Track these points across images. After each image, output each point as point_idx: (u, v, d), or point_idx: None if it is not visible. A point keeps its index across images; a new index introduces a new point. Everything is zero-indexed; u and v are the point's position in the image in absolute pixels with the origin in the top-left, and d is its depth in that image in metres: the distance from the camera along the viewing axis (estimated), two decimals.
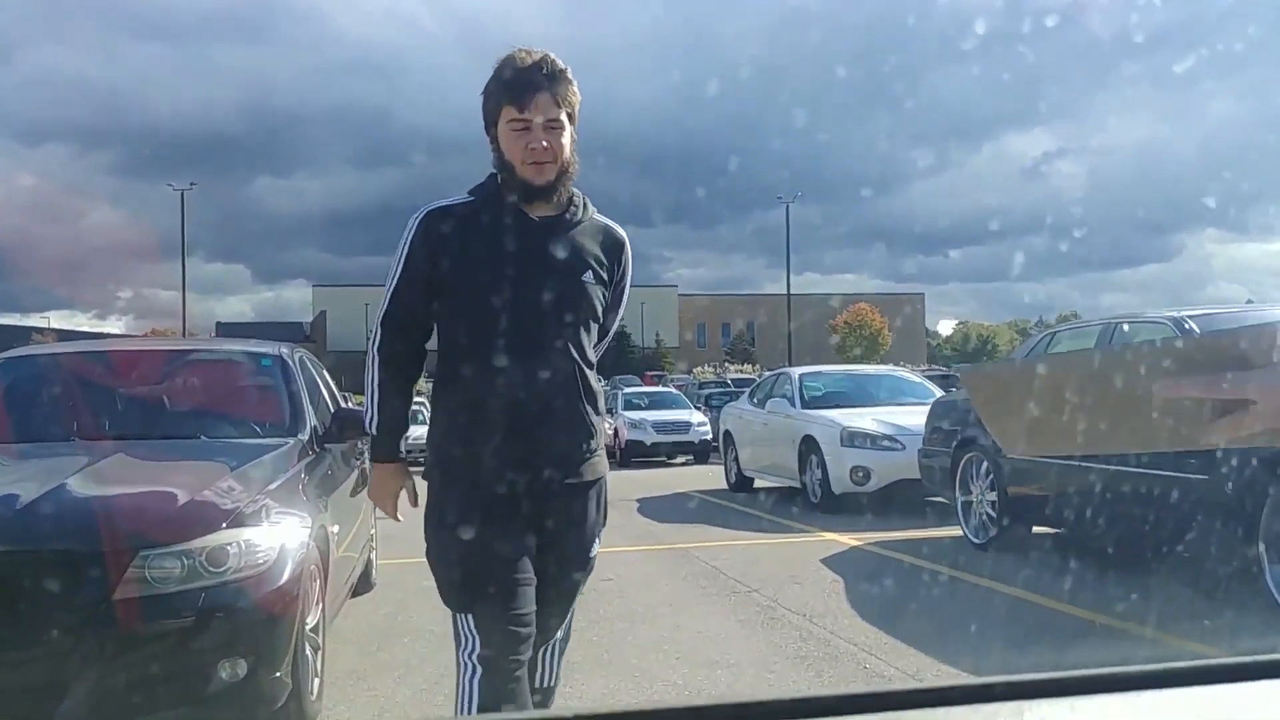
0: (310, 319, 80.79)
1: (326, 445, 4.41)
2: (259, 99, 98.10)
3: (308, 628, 3.38)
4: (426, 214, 2.29)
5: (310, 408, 4.48)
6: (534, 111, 2.18)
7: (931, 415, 7.78)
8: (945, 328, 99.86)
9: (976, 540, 6.73)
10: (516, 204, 2.23)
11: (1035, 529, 6.57)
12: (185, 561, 2.96)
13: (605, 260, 2.32)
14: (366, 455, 5.58)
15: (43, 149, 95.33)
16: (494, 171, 2.28)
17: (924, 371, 21.10)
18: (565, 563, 2.33)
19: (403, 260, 2.29)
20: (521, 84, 2.18)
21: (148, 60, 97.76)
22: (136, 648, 2.90)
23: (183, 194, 45.59)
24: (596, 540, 2.38)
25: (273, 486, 3.50)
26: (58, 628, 2.83)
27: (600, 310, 2.32)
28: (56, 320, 66.79)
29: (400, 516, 2.49)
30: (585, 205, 2.33)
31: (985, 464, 6.71)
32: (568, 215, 2.29)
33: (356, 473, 5.16)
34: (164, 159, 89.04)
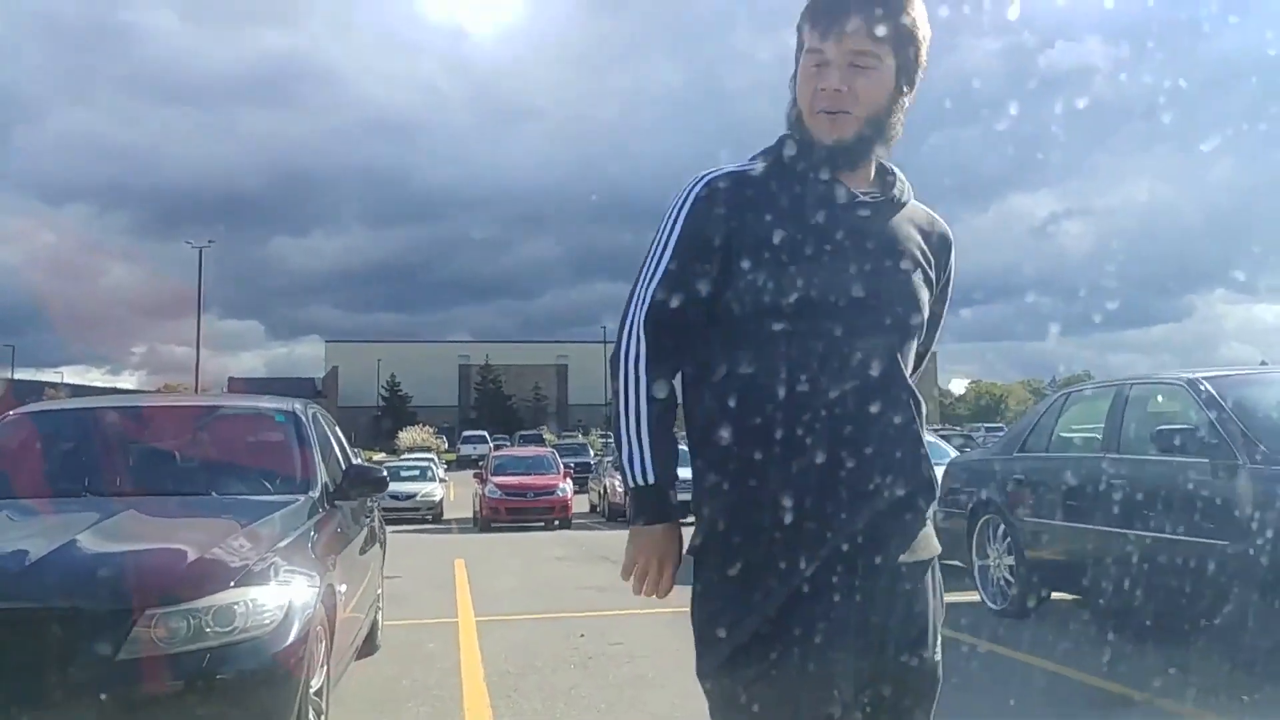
0: (322, 374, 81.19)
1: (337, 502, 4.38)
2: (277, 160, 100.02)
3: (312, 690, 3.32)
4: (710, 180, 1.65)
5: (322, 464, 4.46)
6: (835, 41, 1.57)
7: (947, 476, 7.69)
8: (958, 386, 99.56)
9: (994, 606, 6.61)
10: (818, 174, 1.61)
11: (1055, 595, 6.45)
12: (192, 620, 2.93)
13: (934, 260, 1.69)
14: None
15: (66, 209, 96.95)
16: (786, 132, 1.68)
17: (937, 431, 20.99)
18: (908, 680, 1.65)
19: (676, 236, 1.64)
20: (827, 2, 1.60)
21: (170, 123, 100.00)
22: (142, 708, 2.86)
23: (200, 251, 46.17)
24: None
25: (282, 545, 3.47)
26: (64, 686, 2.79)
27: (925, 327, 1.70)
28: (70, 375, 67.28)
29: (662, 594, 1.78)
30: (907, 186, 1.71)
31: (1002, 527, 6.61)
32: (895, 194, 1.68)
33: (366, 531, 5.12)
34: (183, 218, 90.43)
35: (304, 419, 4.71)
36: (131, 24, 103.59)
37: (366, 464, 5.64)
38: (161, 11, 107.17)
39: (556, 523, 17.59)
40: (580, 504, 21.29)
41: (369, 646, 5.49)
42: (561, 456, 22.83)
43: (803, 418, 1.54)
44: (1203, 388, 5.34)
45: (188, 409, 5.56)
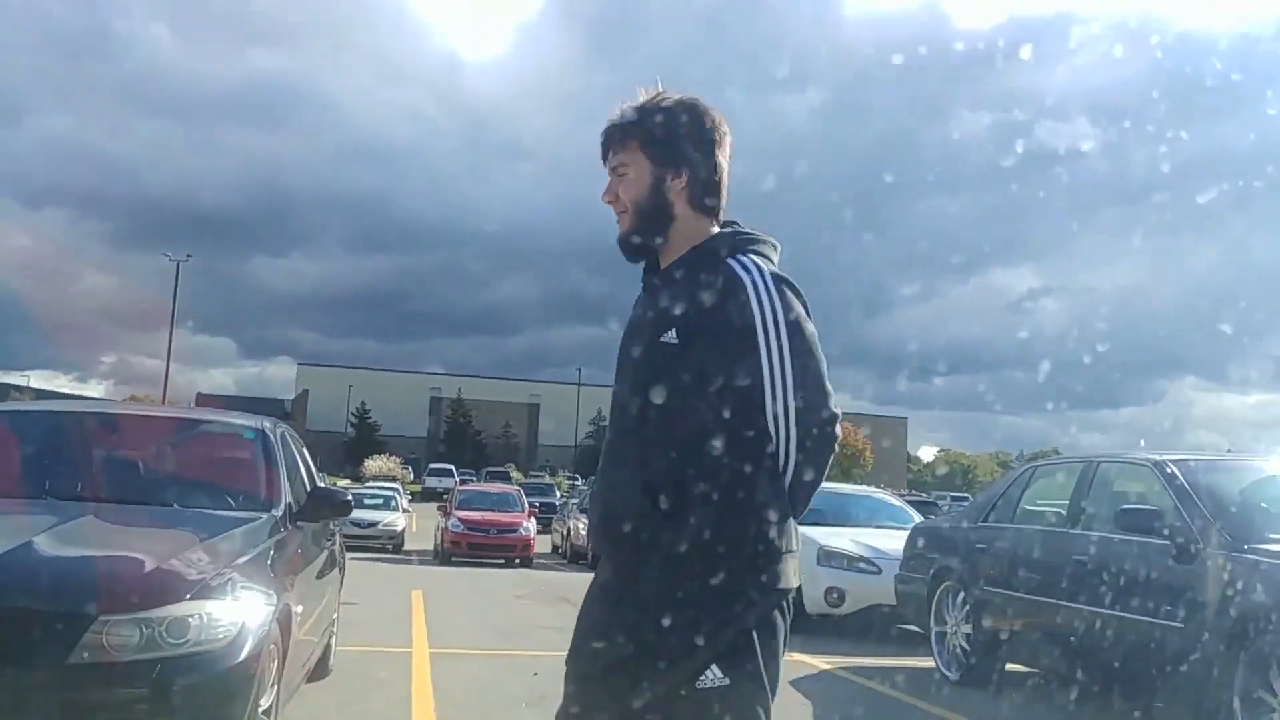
0: (292, 396, 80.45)
1: (299, 523, 4.34)
2: (261, 179, 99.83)
3: (260, 708, 3.28)
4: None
5: (287, 484, 4.43)
6: (606, 165, 1.99)
7: (910, 540, 7.73)
8: (926, 453, 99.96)
9: (949, 673, 6.60)
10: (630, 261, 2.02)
11: (1010, 665, 6.46)
12: (145, 630, 2.89)
13: (703, 311, 1.86)
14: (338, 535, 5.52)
15: (43, 212, 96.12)
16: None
17: (904, 496, 21.07)
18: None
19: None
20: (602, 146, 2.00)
21: (156, 135, 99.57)
22: (88, 715, 2.82)
23: (178, 265, 45.85)
24: None
25: (241, 561, 3.43)
26: (13, 688, 2.74)
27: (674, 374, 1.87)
28: (37, 379, 66.23)
29: None
30: (710, 252, 1.92)
31: (962, 594, 6.63)
32: (687, 259, 1.93)
33: (326, 554, 5.07)
34: (163, 230, 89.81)
35: (272, 437, 4.68)
36: (124, 33, 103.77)
37: (331, 487, 5.60)
38: (156, 23, 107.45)
39: (518, 561, 17.45)
40: (543, 544, 21.14)
41: (321, 670, 5.41)
42: (527, 496, 22.68)
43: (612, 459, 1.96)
44: (1168, 469, 5.41)
45: (156, 419, 5.51)
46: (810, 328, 1.89)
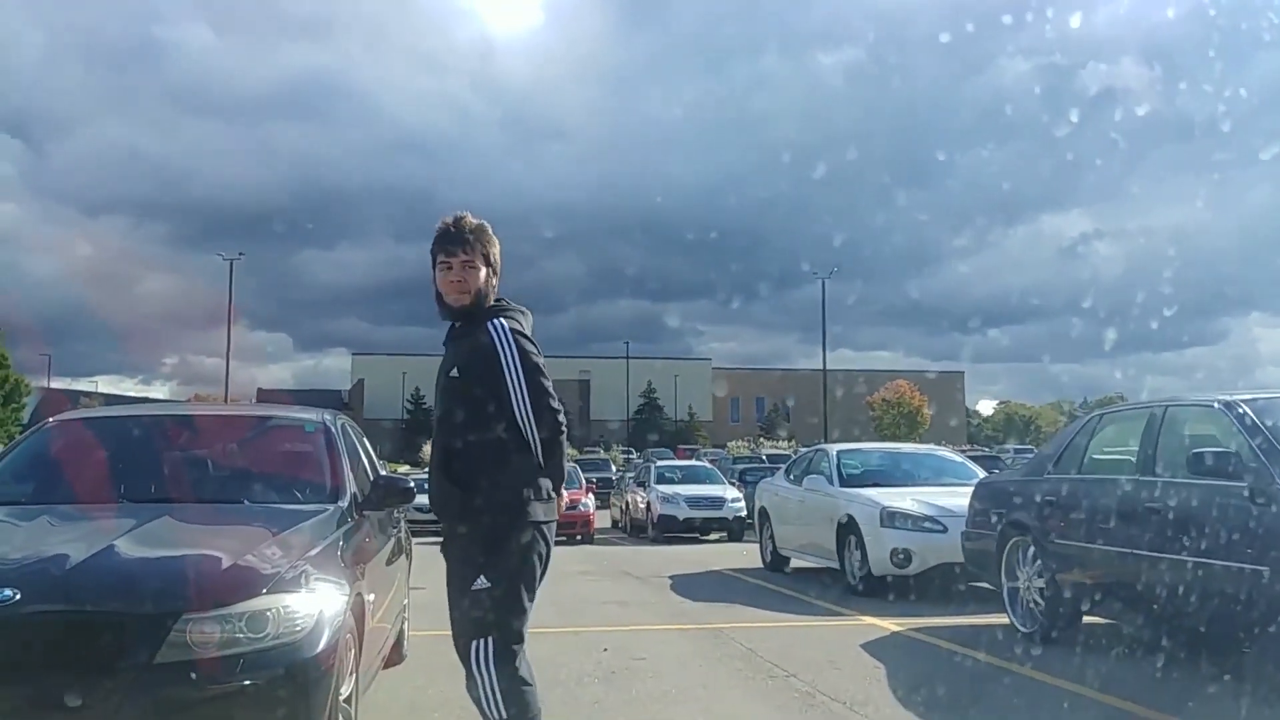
0: (349, 387, 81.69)
1: (365, 513, 4.40)
2: (307, 175, 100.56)
3: (341, 698, 3.34)
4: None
5: (351, 475, 4.48)
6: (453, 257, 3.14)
7: (975, 497, 7.63)
8: (986, 407, 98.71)
9: (1023, 629, 6.53)
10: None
11: (1086, 618, 6.37)
12: (226, 626, 2.96)
13: (480, 357, 3.04)
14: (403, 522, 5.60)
15: (100, 220, 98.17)
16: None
17: (965, 451, 20.81)
18: None
19: None
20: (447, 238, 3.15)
21: (204, 136, 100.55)
22: (176, 713, 2.89)
23: (231, 264, 46.71)
24: None
25: (312, 553, 3.49)
26: (102, 689, 2.82)
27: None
28: (104, 385, 68.11)
29: None
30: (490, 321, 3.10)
31: (1032, 549, 6.54)
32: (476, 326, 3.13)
33: (393, 541, 5.14)
34: (215, 231, 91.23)
35: (334, 430, 4.74)
36: (167, 40, 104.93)
37: (394, 475, 5.66)
38: (198, 26, 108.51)
39: (579, 537, 17.58)
40: (602, 519, 21.27)
41: (396, 656, 5.50)
42: (583, 472, 22.81)
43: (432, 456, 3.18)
44: (1239, 409, 5.27)
45: (222, 418, 5.61)
46: (536, 360, 3.06)
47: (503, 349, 3.02)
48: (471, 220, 3.12)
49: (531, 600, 3.02)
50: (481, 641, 2.89)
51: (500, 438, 3.00)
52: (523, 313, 3.20)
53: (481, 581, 2.92)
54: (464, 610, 2.95)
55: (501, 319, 3.09)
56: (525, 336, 3.10)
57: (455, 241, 3.07)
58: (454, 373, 3.06)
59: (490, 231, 3.13)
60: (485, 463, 2.99)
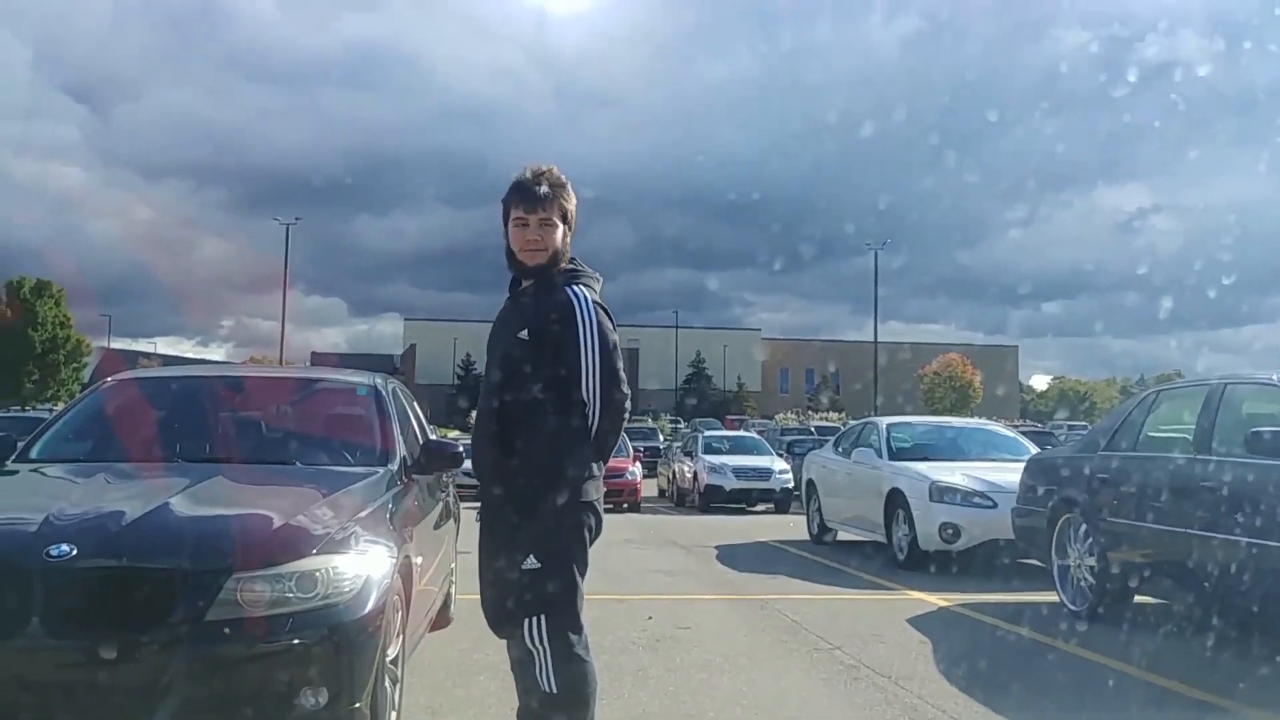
0: (401, 352, 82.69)
1: (415, 476, 4.45)
2: (363, 142, 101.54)
3: (388, 659, 3.39)
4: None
5: (401, 438, 4.53)
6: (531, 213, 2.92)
7: (1027, 473, 7.51)
8: (1040, 382, 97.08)
9: (1074, 607, 6.44)
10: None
11: (1138, 598, 6.26)
12: (276, 585, 3.01)
13: (546, 320, 2.86)
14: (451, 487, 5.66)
15: (162, 183, 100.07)
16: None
17: (1017, 426, 20.49)
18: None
19: None
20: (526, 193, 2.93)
21: (262, 103, 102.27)
22: (226, 669, 2.95)
23: (288, 229, 47.37)
24: None
25: (362, 515, 3.53)
26: (154, 643, 2.89)
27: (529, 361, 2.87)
28: (163, 346, 69.74)
29: None
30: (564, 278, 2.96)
31: (1084, 526, 6.43)
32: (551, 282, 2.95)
33: (441, 505, 5.20)
34: (272, 196, 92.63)
35: (385, 393, 4.80)
36: (230, 6, 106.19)
37: (443, 440, 5.71)
38: None
39: (625, 506, 17.65)
40: (649, 488, 21.35)
41: (443, 619, 5.58)
42: (631, 441, 22.85)
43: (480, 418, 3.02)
44: None
45: (274, 380, 5.70)
46: (614, 338, 2.89)
47: (583, 321, 2.83)
48: (551, 173, 2.90)
49: (583, 577, 2.93)
50: (535, 619, 2.80)
51: (560, 407, 2.82)
52: (596, 279, 3.00)
53: (532, 561, 2.78)
54: (516, 588, 2.81)
55: (581, 286, 2.89)
56: (605, 310, 2.90)
57: (534, 198, 2.85)
58: (523, 334, 2.85)
59: (570, 187, 2.93)
60: (540, 429, 2.83)
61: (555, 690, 2.79)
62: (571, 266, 2.95)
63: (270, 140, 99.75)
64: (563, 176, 2.91)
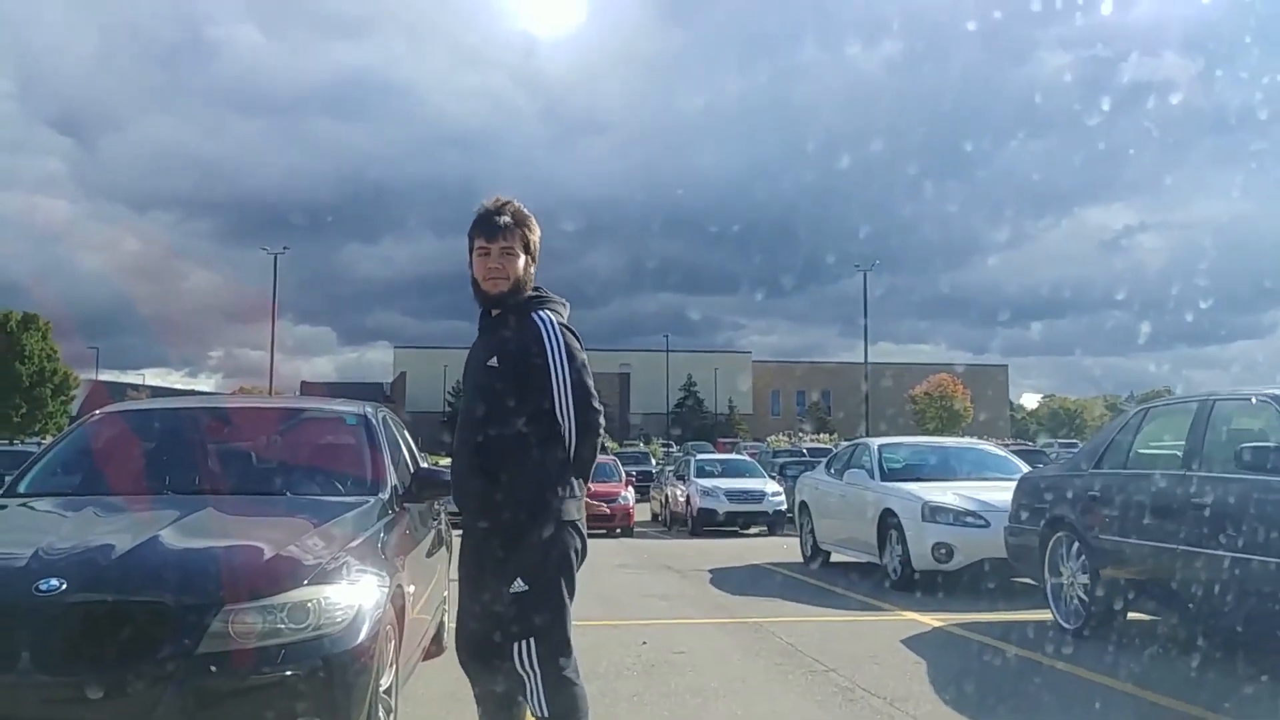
0: (391, 380, 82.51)
1: (406, 505, 4.44)
2: (352, 170, 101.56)
3: (381, 689, 3.38)
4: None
5: (392, 467, 4.53)
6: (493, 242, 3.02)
7: (1018, 492, 7.53)
8: (1030, 401, 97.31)
9: (1067, 625, 6.44)
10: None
11: (1131, 615, 6.26)
12: (268, 616, 3.00)
13: (525, 347, 2.94)
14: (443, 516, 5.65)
15: (149, 215, 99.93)
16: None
17: (1009, 445, 20.55)
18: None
19: None
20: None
21: (250, 134, 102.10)
22: (218, 702, 2.93)
23: (275, 258, 47.31)
24: None
25: (353, 545, 3.52)
26: (145, 677, 2.87)
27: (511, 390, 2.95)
28: (151, 377, 69.35)
29: None
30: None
31: (1076, 544, 6.44)
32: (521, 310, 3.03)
33: (434, 533, 5.18)
34: (260, 226, 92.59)
35: (375, 422, 4.79)
36: (215, 39, 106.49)
37: (434, 468, 5.70)
38: (245, 26, 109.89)
39: (618, 530, 17.62)
40: (642, 513, 21.30)
41: (436, 648, 5.55)
42: (623, 465, 22.85)
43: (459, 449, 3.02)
44: None
45: (263, 411, 5.69)
46: (582, 357, 2.98)
47: (550, 343, 2.91)
48: (512, 205, 3.00)
49: (571, 599, 2.97)
50: (525, 643, 2.83)
51: (537, 432, 2.88)
52: (562, 304, 3.09)
53: (519, 584, 2.83)
54: (503, 612, 2.85)
55: (546, 311, 2.99)
56: (571, 331, 3.00)
57: (494, 227, 2.95)
58: (492, 362, 2.93)
59: (531, 217, 3.02)
60: (521, 458, 2.87)
61: (548, 714, 2.82)
62: (536, 294, 3.04)
63: (258, 170, 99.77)
64: (525, 209, 3.01)
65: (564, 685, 2.86)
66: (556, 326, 2.95)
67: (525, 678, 2.83)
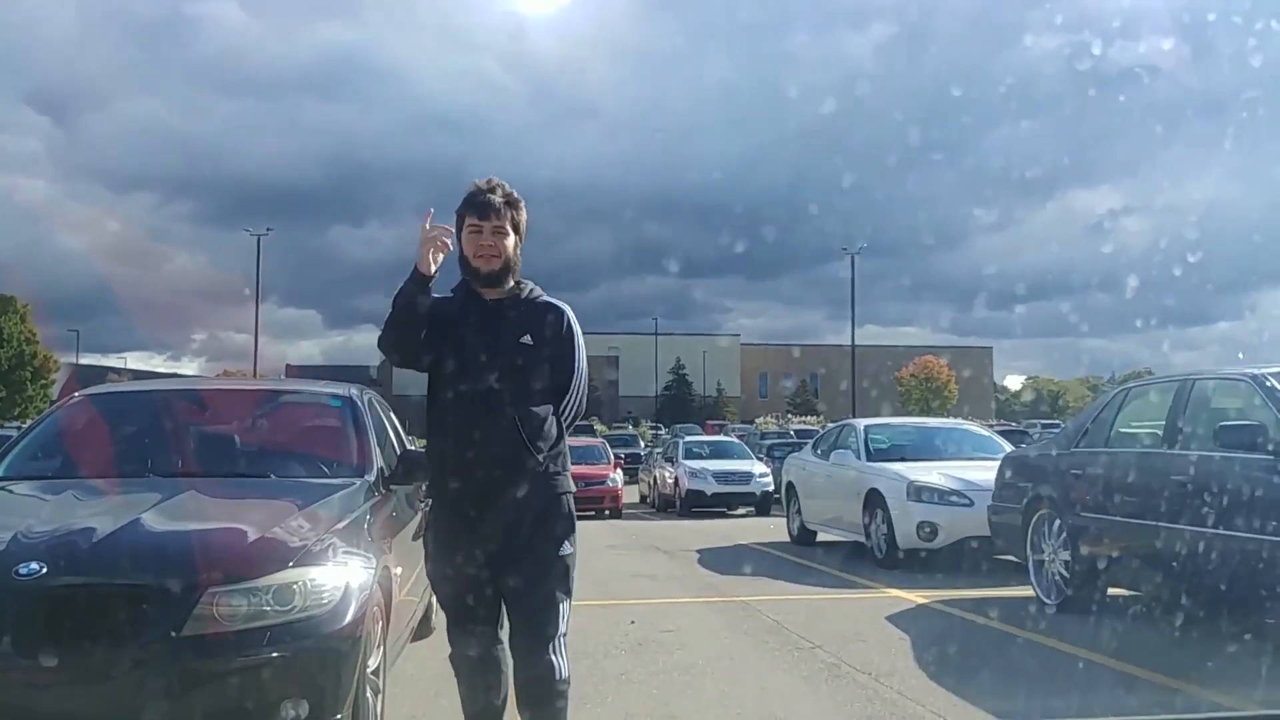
0: (377, 363, 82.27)
1: (392, 487, 4.43)
2: (338, 153, 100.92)
3: (369, 670, 3.38)
4: None
5: (378, 449, 4.52)
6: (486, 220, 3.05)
7: (1001, 470, 7.58)
8: (1014, 382, 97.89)
9: (1049, 601, 6.50)
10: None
11: (1111, 590, 6.33)
12: (252, 599, 2.99)
13: (543, 332, 3.06)
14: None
15: (131, 196, 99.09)
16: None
17: (993, 426, 20.67)
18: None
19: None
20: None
21: (235, 114, 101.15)
22: (202, 684, 2.93)
23: (259, 240, 46.98)
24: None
25: (339, 526, 3.52)
26: (129, 660, 2.86)
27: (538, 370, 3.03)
28: (133, 361, 68.92)
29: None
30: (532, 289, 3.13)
31: (1058, 522, 6.50)
32: (520, 294, 3.11)
33: (420, 515, 5.18)
34: (244, 207, 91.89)
35: (360, 404, 4.78)
36: (196, 16, 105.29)
37: (420, 450, 5.69)
38: (226, 3, 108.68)
39: (607, 512, 17.66)
40: (630, 494, 21.35)
41: (424, 629, 5.56)
42: (612, 447, 22.87)
43: (455, 430, 2.98)
44: (1268, 383, 5.21)
45: (247, 393, 5.66)
46: (581, 340, 3.16)
47: (577, 333, 3.12)
48: (504, 185, 3.09)
49: None
50: (567, 605, 3.02)
51: (558, 411, 3.08)
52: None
53: (567, 546, 3.02)
54: (556, 579, 2.99)
55: (562, 302, 3.17)
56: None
57: (487, 206, 3.03)
58: (526, 339, 3.03)
59: (522, 203, 3.12)
60: (547, 433, 3.04)
61: (568, 674, 3.00)
62: (533, 283, 3.18)
63: (242, 151, 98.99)
64: (515, 192, 3.09)
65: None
66: (575, 319, 3.14)
67: (559, 641, 2.99)
